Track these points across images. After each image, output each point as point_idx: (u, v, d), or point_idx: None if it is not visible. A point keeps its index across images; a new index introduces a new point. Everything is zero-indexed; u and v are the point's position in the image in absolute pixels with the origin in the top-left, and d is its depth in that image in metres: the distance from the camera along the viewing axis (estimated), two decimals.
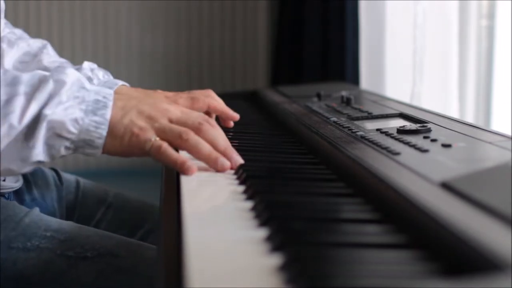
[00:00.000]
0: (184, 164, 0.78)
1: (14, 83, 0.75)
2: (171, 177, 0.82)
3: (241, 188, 0.74)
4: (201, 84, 3.01)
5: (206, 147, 0.80)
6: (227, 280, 0.48)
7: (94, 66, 1.08)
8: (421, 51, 1.93)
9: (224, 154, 0.81)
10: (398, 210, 0.61)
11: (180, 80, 3.00)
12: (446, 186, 0.61)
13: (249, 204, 0.67)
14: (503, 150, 0.75)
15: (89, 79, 1.03)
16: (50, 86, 0.76)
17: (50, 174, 1.13)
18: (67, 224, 0.93)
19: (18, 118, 0.73)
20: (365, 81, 2.05)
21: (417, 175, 0.66)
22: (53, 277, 0.87)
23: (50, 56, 1.12)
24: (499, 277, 0.42)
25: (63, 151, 0.77)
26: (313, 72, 2.43)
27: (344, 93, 1.30)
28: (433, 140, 0.80)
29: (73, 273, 0.87)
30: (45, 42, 1.15)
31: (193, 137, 0.80)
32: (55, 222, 0.93)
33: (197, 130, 0.81)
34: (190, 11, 3.03)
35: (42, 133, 0.74)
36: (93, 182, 1.22)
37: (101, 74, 1.07)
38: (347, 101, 1.20)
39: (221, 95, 1.25)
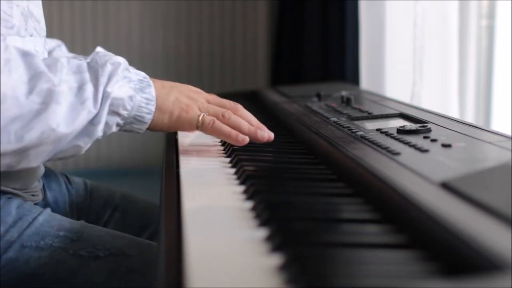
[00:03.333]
0: (238, 135, 0.90)
1: (80, 71, 0.82)
2: (171, 177, 0.82)
3: (241, 188, 0.74)
4: (201, 84, 3.00)
5: (245, 124, 0.93)
6: (227, 280, 0.48)
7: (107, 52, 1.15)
8: (421, 51, 1.93)
9: (258, 128, 0.95)
10: (398, 210, 0.61)
11: (180, 80, 3.00)
12: (446, 186, 0.61)
13: (249, 204, 0.67)
14: (503, 150, 0.75)
15: None
16: (109, 68, 0.84)
17: (61, 177, 1.14)
18: (79, 224, 0.94)
19: (93, 104, 0.81)
20: (365, 81, 2.05)
21: (417, 175, 0.66)
22: (65, 277, 0.87)
23: (63, 53, 1.21)
24: (499, 277, 0.42)
25: (114, 128, 0.85)
26: (313, 72, 2.43)
27: (344, 93, 1.30)
28: (433, 140, 0.80)
29: (85, 273, 0.87)
30: (59, 42, 1.24)
31: (233, 115, 0.93)
32: (68, 221, 0.94)
33: (234, 109, 0.95)
34: (190, 11, 3.03)
35: (106, 110, 0.82)
36: (99, 184, 1.22)
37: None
38: (347, 101, 1.20)
39: (221, 95, 1.25)
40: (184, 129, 0.92)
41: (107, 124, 0.83)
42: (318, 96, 1.33)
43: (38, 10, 0.96)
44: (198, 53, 3.06)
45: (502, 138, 0.81)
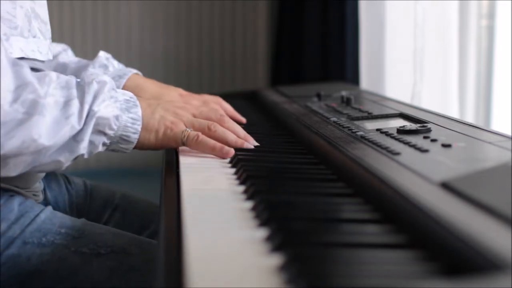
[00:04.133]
0: (222, 148, 0.89)
1: (68, 86, 0.82)
2: (171, 177, 0.82)
3: (241, 188, 0.74)
4: (201, 84, 3.00)
5: (232, 136, 0.93)
6: (227, 280, 0.48)
7: (109, 55, 1.20)
8: (421, 51, 1.93)
9: (245, 140, 0.95)
10: (398, 210, 0.61)
11: (180, 80, 3.00)
12: (446, 186, 0.61)
13: (249, 204, 0.67)
14: (503, 150, 0.75)
15: (105, 67, 1.17)
16: (94, 86, 0.84)
17: (61, 178, 1.14)
18: (81, 222, 0.94)
19: (78, 120, 0.81)
20: (365, 81, 2.05)
21: (417, 175, 0.66)
22: (67, 274, 0.87)
23: (69, 57, 1.22)
24: (499, 277, 0.42)
25: (100, 148, 0.85)
26: (313, 72, 2.43)
27: (344, 93, 1.30)
28: (433, 140, 0.80)
29: (87, 270, 0.87)
30: (66, 46, 1.25)
31: (220, 128, 0.93)
32: (69, 219, 0.94)
33: (221, 121, 0.95)
34: (190, 11, 3.03)
35: (90, 128, 0.82)
36: (99, 184, 1.22)
37: (116, 63, 1.20)
38: (347, 101, 1.20)
39: (221, 95, 1.25)
40: (170, 146, 0.92)
41: (92, 143, 0.84)
42: (318, 96, 1.33)
43: (43, 11, 0.96)
44: (198, 53, 3.06)
45: (502, 138, 0.81)
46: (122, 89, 1.14)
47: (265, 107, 1.45)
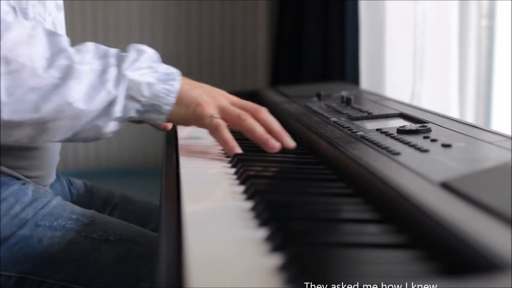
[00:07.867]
0: (233, 149, 0.89)
1: (105, 55, 0.85)
2: (171, 177, 0.82)
3: (241, 188, 0.74)
4: None
5: (260, 129, 0.91)
6: (227, 280, 0.48)
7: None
8: (421, 51, 1.93)
9: (277, 135, 0.92)
10: (398, 210, 0.61)
11: None
12: (446, 186, 0.61)
13: (249, 204, 0.67)
14: (503, 150, 0.75)
15: None
16: (133, 54, 0.87)
17: (63, 179, 1.16)
18: (90, 211, 0.97)
19: (114, 86, 0.83)
20: (365, 81, 2.05)
21: (417, 175, 0.66)
22: (77, 257, 0.90)
23: None
24: (499, 277, 0.42)
25: (132, 113, 0.86)
26: (313, 72, 2.43)
27: (344, 93, 1.30)
28: (433, 140, 0.80)
29: (96, 255, 0.90)
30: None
31: (250, 119, 0.91)
32: (79, 208, 0.97)
33: (256, 112, 0.93)
34: (190, 11, 3.03)
35: (122, 91, 0.84)
36: (99, 184, 1.24)
37: None
38: (347, 101, 1.20)
39: None
40: (196, 124, 0.92)
41: (125, 107, 0.85)
42: (318, 96, 1.33)
43: (62, 30, 1.01)
44: (198, 53, 3.06)
45: (502, 138, 0.81)
46: None
47: (265, 107, 1.45)
